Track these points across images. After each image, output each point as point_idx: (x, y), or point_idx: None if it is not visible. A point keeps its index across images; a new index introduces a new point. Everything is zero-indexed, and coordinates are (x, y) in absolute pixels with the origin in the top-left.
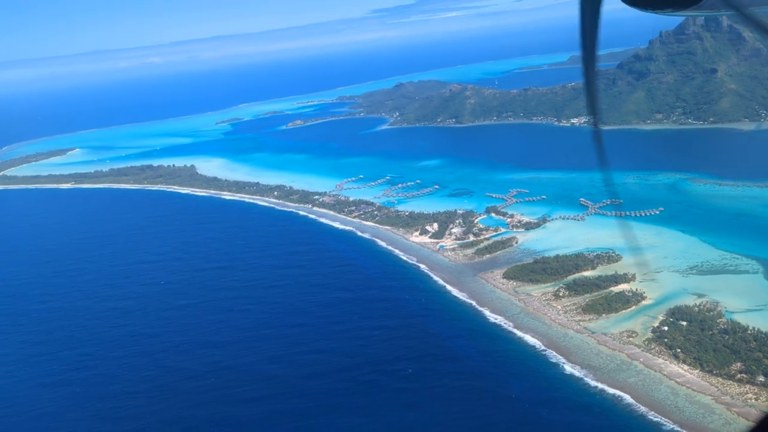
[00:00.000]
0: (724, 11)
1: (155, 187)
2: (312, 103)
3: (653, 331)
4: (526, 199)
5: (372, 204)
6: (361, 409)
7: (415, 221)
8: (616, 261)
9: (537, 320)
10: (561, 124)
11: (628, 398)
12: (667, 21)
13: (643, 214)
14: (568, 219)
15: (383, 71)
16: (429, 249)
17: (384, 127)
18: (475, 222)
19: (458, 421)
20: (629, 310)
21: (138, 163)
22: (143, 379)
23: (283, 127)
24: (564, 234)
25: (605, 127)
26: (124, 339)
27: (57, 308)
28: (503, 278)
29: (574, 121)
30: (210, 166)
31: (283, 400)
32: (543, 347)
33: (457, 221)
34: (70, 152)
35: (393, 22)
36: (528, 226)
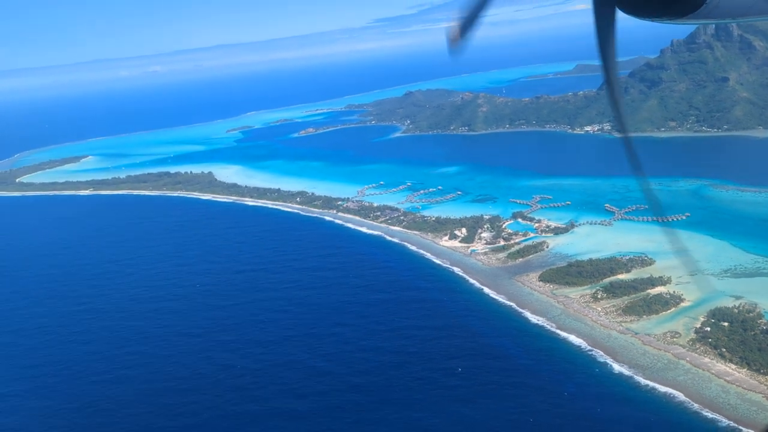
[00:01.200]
0: (720, 20)
1: (175, 194)
2: (321, 111)
3: (696, 332)
4: (551, 204)
5: (397, 209)
6: (418, 404)
7: (442, 226)
8: (650, 264)
9: (579, 321)
10: (575, 131)
11: (680, 396)
12: (678, 30)
13: (669, 220)
14: (595, 224)
15: (388, 80)
16: (461, 253)
17: (397, 134)
18: (503, 227)
19: (514, 414)
20: (669, 311)
21: (154, 170)
22: (197, 375)
23: (295, 135)
24: (594, 238)
25: (619, 135)
26: (171, 338)
27: (100, 309)
28: (539, 281)
29: (588, 128)
30: (227, 173)
31: (339, 394)
32: (588, 347)
33: (485, 226)
34: (83, 159)
35: (393, 32)
36: (556, 231)
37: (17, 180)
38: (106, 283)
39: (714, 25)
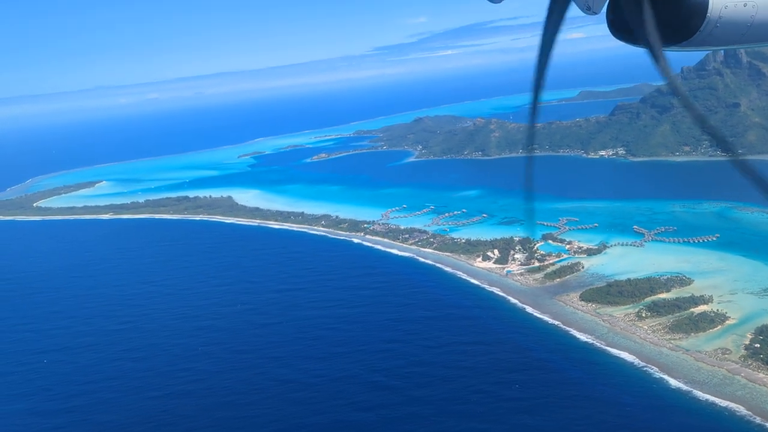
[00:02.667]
0: (714, 48)
1: (197, 217)
2: (330, 137)
3: (746, 348)
4: (578, 227)
5: (425, 232)
6: (481, 415)
7: (474, 248)
8: (689, 284)
9: (627, 339)
10: (589, 156)
11: (742, 409)
12: (688, 57)
13: (700, 240)
14: (627, 245)
15: (392, 107)
16: (496, 274)
17: (411, 159)
18: (535, 248)
19: (578, 421)
20: (716, 329)
21: (173, 195)
22: (255, 390)
23: (308, 160)
24: (628, 259)
25: (636, 159)
26: (222, 354)
27: (144, 328)
28: (580, 300)
29: (602, 153)
30: (247, 197)
31: (401, 407)
32: (642, 363)
33: (517, 247)
34: (98, 185)
35: (392, 60)
36: (589, 252)
37: (35, 204)
38: (146, 303)
39: (723, 53)
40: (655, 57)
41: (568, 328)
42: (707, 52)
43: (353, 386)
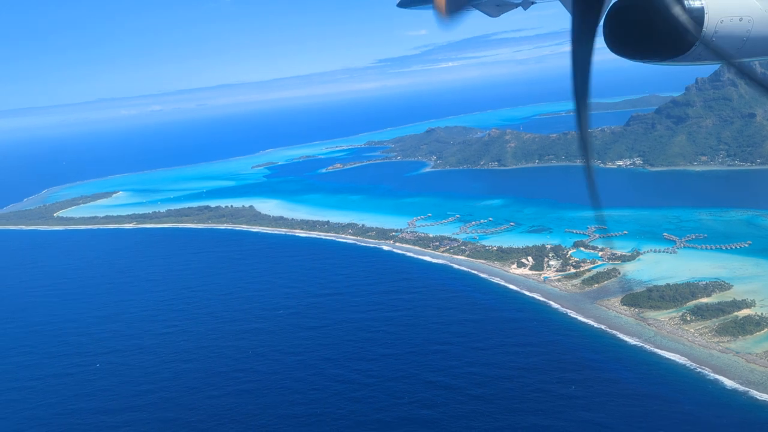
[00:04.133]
0: (710, 62)
1: (222, 226)
2: (341, 148)
3: None
4: (608, 234)
5: (455, 239)
6: (543, 412)
7: (507, 255)
8: (728, 289)
9: (675, 342)
10: (607, 165)
11: None
12: (702, 69)
13: (733, 247)
14: (659, 252)
15: (400, 118)
16: (534, 280)
17: (427, 169)
18: (568, 255)
19: (638, 417)
20: (763, 332)
21: (192, 205)
22: (314, 389)
23: (323, 171)
24: (663, 265)
25: (654, 169)
26: (273, 355)
27: (191, 331)
28: (622, 305)
29: (620, 163)
30: (268, 207)
31: (463, 404)
32: (694, 365)
33: (550, 254)
34: (114, 195)
35: (394, 72)
36: (623, 259)
37: (55, 214)
38: (188, 308)
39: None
40: (584, 59)
41: (614, 332)
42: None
43: (411, 385)
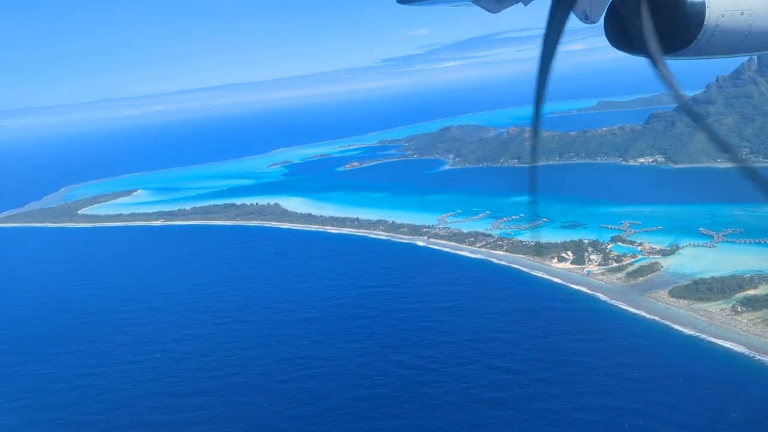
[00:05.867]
0: (712, 56)
1: (252, 223)
2: (354, 147)
3: None
4: (643, 229)
5: (490, 235)
6: (610, 393)
7: (546, 250)
8: None
9: (730, 332)
10: (629, 163)
11: None
12: (722, 67)
13: None
14: (699, 246)
15: (410, 117)
16: (577, 274)
17: (446, 167)
18: (607, 250)
19: (705, 400)
20: None
21: (217, 202)
22: (380, 374)
23: (341, 169)
24: (704, 259)
25: (677, 166)
26: (332, 343)
27: (247, 320)
28: (670, 297)
29: (642, 160)
30: (293, 204)
31: (529, 386)
32: (752, 353)
33: (589, 249)
34: (134, 193)
35: (395, 71)
36: (663, 253)
37: (79, 212)
38: (236, 299)
39: (756, 60)
40: (656, 64)
41: (667, 322)
42: (744, 59)
43: (476, 370)
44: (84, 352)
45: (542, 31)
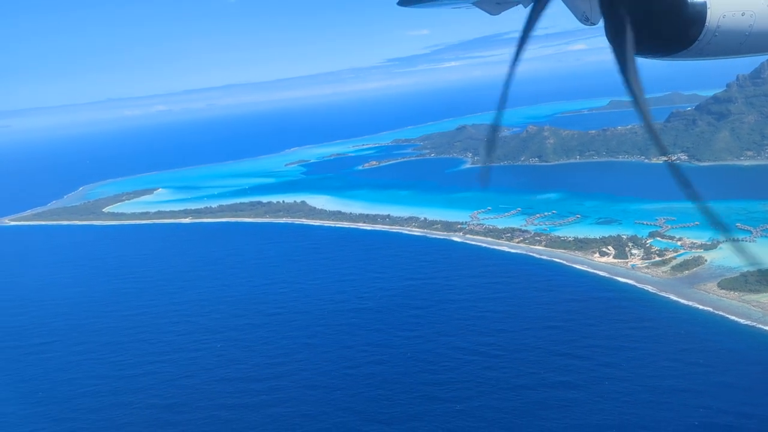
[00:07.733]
0: (713, 57)
1: (281, 220)
2: (369, 146)
3: None
4: (679, 225)
5: (526, 231)
6: (678, 377)
7: (586, 245)
8: None
9: None
10: (651, 161)
11: None
12: (742, 65)
13: None
14: (738, 241)
15: (421, 116)
16: (622, 267)
17: (467, 166)
18: (647, 244)
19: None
20: None
21: (243, 200)
22: (445, 359)
23: (360, 168)
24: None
25: (702, 164)
26: (390, 331)
27: (299, 310)
28: (720, 289)
29: (664, 158)
30: (320, 202)
31: (594, 370)
32: None
33: (630, 244)
34: (156, 191)
35: (399, 72)
36: (705, 248)
37: (104, 210)
38: (286, 291)
39: None
40: (623, 63)
41: (720, 312)
42: (764, 59)
43: (540, 356)
44: (146, 341)
45: (520, 34)
